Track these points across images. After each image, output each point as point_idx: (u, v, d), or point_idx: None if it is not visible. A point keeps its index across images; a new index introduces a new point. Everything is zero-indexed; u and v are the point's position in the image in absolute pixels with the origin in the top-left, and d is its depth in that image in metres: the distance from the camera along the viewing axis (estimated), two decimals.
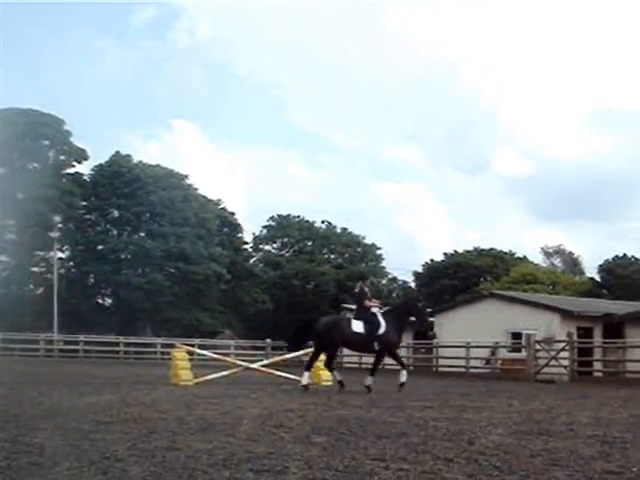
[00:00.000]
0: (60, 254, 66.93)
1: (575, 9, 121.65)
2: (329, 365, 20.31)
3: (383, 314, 19.75)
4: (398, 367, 20.28)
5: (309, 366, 19.62)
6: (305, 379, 18.95)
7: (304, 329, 20.18)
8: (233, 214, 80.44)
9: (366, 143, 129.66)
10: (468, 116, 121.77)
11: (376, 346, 19.29)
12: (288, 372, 23.42)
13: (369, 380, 19.01)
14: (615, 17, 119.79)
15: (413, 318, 20.80)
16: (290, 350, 23.36)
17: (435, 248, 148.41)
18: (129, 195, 69.29)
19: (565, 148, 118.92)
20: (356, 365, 36.82)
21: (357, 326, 19.23)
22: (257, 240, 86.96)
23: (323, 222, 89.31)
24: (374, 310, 19.54)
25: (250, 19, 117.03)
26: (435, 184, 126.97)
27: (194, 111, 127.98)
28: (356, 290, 21.06)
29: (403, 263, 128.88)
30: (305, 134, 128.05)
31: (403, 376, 19.50)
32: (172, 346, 26.42)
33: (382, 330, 19.09)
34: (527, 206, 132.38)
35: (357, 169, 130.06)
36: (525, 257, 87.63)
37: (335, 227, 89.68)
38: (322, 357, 20.43)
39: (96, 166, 72.60)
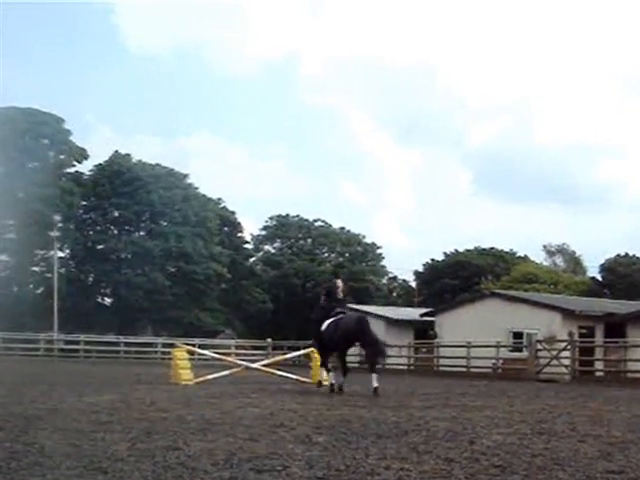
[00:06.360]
0: (60, 253, 67.09)
1: None
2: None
3: None
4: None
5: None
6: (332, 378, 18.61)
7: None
8: (233, 213, 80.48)
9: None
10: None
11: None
12: (289, 372, 23.43)
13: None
14: None
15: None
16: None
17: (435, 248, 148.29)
18: (129, 194, 69.35)
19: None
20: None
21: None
22: (257, 240, 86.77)
23: (321, 221, 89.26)
24: None
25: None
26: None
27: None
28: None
29: (403, 262, 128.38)
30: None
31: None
32: (173, 346, 26.48)
33: None
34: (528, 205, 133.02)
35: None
36: (526, 256, 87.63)
37: (331, 226, 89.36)
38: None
39: (96, 165, 72.82)
